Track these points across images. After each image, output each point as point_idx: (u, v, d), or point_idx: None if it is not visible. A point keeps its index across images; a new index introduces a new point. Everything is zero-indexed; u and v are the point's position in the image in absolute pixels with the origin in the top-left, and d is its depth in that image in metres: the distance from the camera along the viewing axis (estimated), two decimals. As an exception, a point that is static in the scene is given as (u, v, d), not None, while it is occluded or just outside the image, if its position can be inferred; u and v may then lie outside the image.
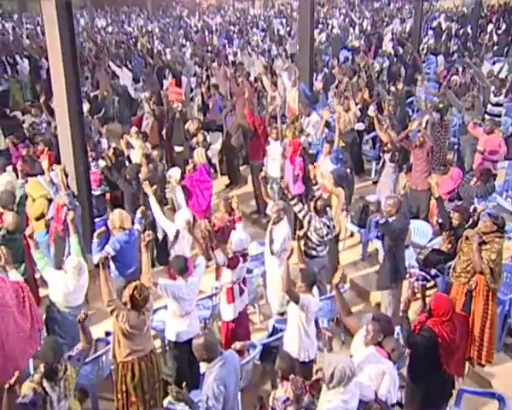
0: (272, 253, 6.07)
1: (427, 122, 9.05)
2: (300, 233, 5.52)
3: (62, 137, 6.62)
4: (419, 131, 8.12)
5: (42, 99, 11.51)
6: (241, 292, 5.63)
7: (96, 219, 7.35)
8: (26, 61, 16.20)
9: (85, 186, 6.70)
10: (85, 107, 12.99)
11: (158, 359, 4.87)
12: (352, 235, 8.27)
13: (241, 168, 10.58)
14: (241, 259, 5.56)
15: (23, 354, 4.78)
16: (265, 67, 13.25)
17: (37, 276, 6.39)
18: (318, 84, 10.75)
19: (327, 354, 4.00)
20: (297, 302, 4.66)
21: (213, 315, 6.14)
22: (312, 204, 6.33)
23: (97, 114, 13.28)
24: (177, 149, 9.92)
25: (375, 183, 9.65)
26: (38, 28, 29.25)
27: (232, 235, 5.70)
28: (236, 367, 4.12)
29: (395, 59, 15.55)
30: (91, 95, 13.73)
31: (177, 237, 6.16)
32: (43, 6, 6.23)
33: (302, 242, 6.21)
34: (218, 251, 5.44)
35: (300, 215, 6.15)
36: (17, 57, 16.21)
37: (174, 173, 9.19)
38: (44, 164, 6.74)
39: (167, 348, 5.35)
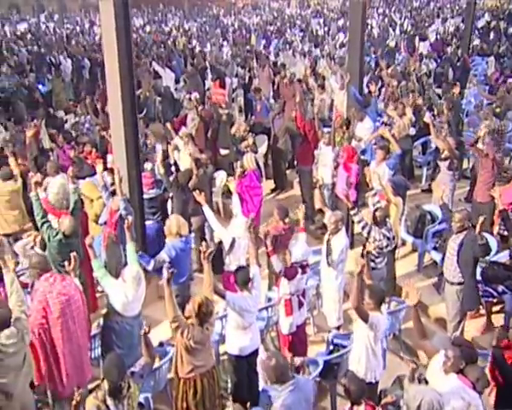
0: (329, 264, 5.87)
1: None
2: (370, 248, 5.30)
3: (116, 140, 6.51)
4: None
5: (87, 100, 11.57)
6: (300, 305, 5.44)
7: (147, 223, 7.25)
8: (69, 60, 16.35)
9: (137, 190, 6.58)
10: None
11: (219, 375, 4.72)
12: (403, 244, 7.98)
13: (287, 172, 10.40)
14: (299, 270, 5.35)
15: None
16: (312, 68, 13.00)
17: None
18: (372, 87, 10.45)
19: (411, 384, 3.76)
20: (366, 321, 4.44)
21: (268, 327, 5.97)
22: (371, 214, 6.10)
23: (139, 115, 13.30)
24: (223, 151, 9.79)
25: (424, 191, 9.35)
26: (78, 28, 29.69)
27: (292, 245, 5.50)
28: (309, 396, 3.92)
29: (439, 61, 15.12)
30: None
31: (232, 245, 6.01)
32: (101, 5, 6.13)
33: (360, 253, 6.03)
34: (274, 257, 5.27)
35: (359, 226, 5.93)
36: (61, 57, 16.36)
37: (221, 177, 9.18)
38: (99, 168, 6.65)
39: (226, 360, 5.19)
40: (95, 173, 8.39)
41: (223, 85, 12.11)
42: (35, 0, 36.77)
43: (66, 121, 12.74)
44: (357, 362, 4.59)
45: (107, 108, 11.60)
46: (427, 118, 8.24)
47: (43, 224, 5.72)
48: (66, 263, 4.89)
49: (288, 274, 5.26)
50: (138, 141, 6.63)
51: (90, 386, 5.28)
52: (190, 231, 6.45)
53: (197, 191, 6.38)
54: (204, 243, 4.96)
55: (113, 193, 6.45)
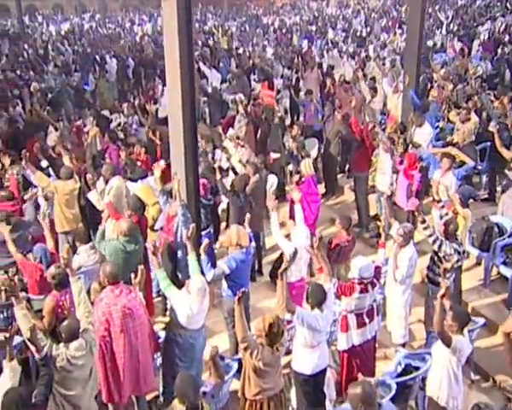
0: (397, 279, 5.58)
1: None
2: (448, 266, 4.99)
3: (174, 144, 6.35)
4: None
5: (136, 100, 11.52)
6: (362, 324, 5.12)
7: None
8: (114, 60, 16.42)
9: (194, 197, 6.41)
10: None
11: (286, 398, 4.52)
12: (467, 256, 7.61)
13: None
14: (357, 287, 5.04)
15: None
16: (362, 70, 12.65)
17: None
18: (434, 92, 10.06)
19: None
20: (449, 345, 4.15)
21: (331, 340, 5.73)
22: (441, 227, 5.79)
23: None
24: (273, 155, 9.57)
25: (483, 200, 8.92)
26: (119, 28, 29.92)
27: (358, 260, 5.22)
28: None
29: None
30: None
31: (294, 256, 5.77)
32: (164, 6, 5.99)
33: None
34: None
35: (430, 240, 5.62)
36: (106, 57, 16.45)
37: (272, 182, 8.95)
38: (157, 172, 6.52)
39: (292, 378, 4.96)
40: (146, 176, 8.37)
41: (271, 87, 11.88)
42: (77, 0, 37.33)
43: (111, 121, 12.81)
44: (438, 388, 4.30)
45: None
46: (493, 127, 7.84)
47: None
48: (132, 275, 4.75)
49: (344, 291, 4.99)
50: (197, 147, 6.47)
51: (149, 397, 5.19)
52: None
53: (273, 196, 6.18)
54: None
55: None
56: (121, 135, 10.57)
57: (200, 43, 21.63)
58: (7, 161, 8.20)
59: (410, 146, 8.12)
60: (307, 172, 7.22)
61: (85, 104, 13.45)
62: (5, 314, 5.64)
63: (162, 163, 8.10)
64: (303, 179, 7.23)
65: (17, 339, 4.54)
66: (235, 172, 7.38)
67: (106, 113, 13.04)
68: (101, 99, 14.61)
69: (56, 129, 10.44)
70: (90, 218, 7.75)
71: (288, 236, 6.11)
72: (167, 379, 4.92)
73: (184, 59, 5.98)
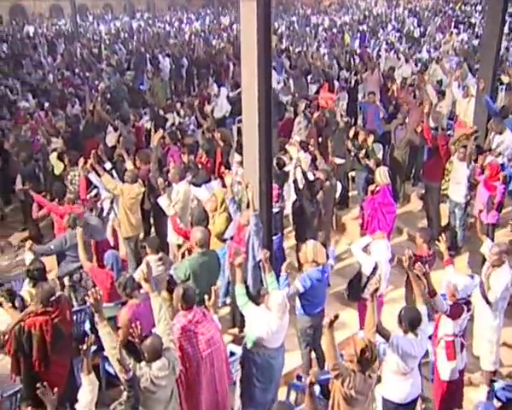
0: (488, 302, 5.17)
1: None
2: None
3: (248, 150, 6.09)
4: None
5: (195, 101, 11.36)
6: (462, 347, 4.77)
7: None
8: (167, 59, 16.38)
9: (266, 205, 6.14)
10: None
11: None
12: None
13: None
14: (465, 308, 4.69)
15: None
16: (422, 72, 12.13)
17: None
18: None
19: None
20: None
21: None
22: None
23: (238, 116, 12.99)
24: (338, 160, 9.21)
25: None
26: (167, 27, 30.06)
27: (459, 278, 4.83)
28: None
29: None
30: (230, 95, 13.46)
31: (374, 271, 5.44)
32: (242, 5, 5.73)
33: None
34: (437, 297, 4.63)
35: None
36: (159, 56, 16.43)
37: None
38: (228, 180, 6.26)
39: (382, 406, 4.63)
40: (210, 180, 8.17)
41: (331, 89, 11.51)
42: (127, -1, 37.90)
43: (166, 120, 12.70)
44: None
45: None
46: None
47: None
48: (206, 297, 4.50)
49: (453, 313, 4.61)
50: (271, 153, 6.18)
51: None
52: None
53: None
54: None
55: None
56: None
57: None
58: (69, 161, 8.18)
59: (490, 156, 7.66)
60: (382, 181, 6.85)
61: (141, 104, 13.45)
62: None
63: (234, 170, 7.94)
64: (378, 188, 6.86)
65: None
66: (306, 178, 7.04)
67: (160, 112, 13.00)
68: (156, 99, 14.56)
69: (116, 129, 10.39)
70: (156, 224, 7.61)
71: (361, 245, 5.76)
72: (244, 400, 4.68)
73: (262, 60, 5.69)
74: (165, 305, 4.68)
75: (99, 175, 7.28)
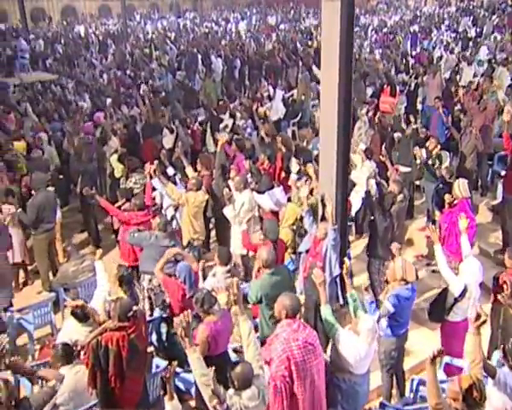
0: None
1: None
2: None
3: (325, 158, 5.76)
4: None
5: (255, 105, 11.14)
6: None
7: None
8: (219, 60, 16.25)
9: (342, 216, 5.83)
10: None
11: None
12: None
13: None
14: None
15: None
16: (487, 76, 11.54)
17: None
18: None
19: None
20: None
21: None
22: None
23: (293, 119, 12.73)
24: (403, 169, 8.82)
25: None
26: (214, 26, 30.03)
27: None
28: None
29: None
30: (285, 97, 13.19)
31: (463, 294, 5.07)
32: (325, 6, 5.43)
33: None
34: None
35: None
36: (212, 57, 16.32)
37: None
38: (304, 191, 5.99)
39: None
40: (273, 187, 7.91)
41: (393, 93, 11.07)
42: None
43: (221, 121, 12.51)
44: None
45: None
46: None
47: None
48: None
49: None
50: (349, 161, 5.87)
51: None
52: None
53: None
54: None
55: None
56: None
57: (295, 42, 21.13)
58: (130, 165, 8.08)
59: None
60: (462, 194, 6.44)
61: (195, 105, 13.34)
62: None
63: (294, 177, 7.68)
64: (455, 202, 6.46)
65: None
66: (380, 191, 6.68)
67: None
68: (207, 99, 14.43)
69: (171, 131, 10.28)
70: (219, 233, 7.42)
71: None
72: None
73: (344, 64, 5.37)
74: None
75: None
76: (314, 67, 13.18)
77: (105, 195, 9.36)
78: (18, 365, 4.25)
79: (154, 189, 7.23)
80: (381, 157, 7.76)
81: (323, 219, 5.85)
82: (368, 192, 6.54)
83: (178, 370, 5.15)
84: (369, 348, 4.26)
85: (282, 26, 28.48)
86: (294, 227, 6.50)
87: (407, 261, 4.97)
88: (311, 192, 6.87)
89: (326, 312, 4.38)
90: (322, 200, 5.78)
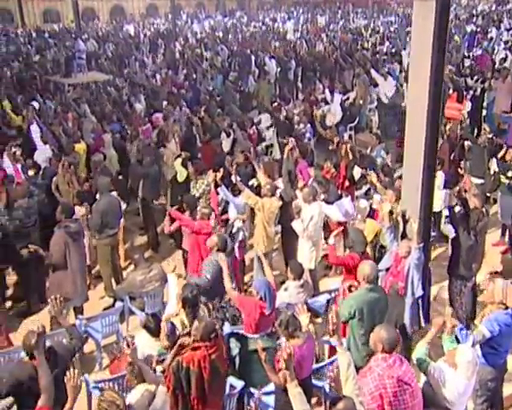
0: None
1: None
2: None
3: (410, 172, 5.43)
4: None
5: (316, 110, 10.86)
6: None
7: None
8: (273, 61, 16.00)
9: (424, 234, 5.47)
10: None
11: None
12: None
13: None
14: None
15: None
16: None
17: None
18: None
19: None
20: None
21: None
22: None
23: (350, 123, 12.36)
24: (475, 180, 8.35)
25: None
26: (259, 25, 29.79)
27: None
28: None
29: None
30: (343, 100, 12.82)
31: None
32: (417, 5, 5.11)
33: None
34: None
35: None
36: (266, 58, 16.09)
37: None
38: (386, 207, 5.65)
39: None
40: (341, 197, 7.61)
41: (460, 99, 10.56)
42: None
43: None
44: None
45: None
46: None
47: None
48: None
49: None
50: (435, 174, 5.51)
51: None
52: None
53: None
54: None
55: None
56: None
57: (349, 44, 20.67)
58: (195, 170, 7.94)
59: None
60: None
61: (250, 107, 13.11)
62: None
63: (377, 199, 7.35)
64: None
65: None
66: (465, 207, 6.27)
67: (266, 116, 12.57)
68: (261, 102, 14.18)
69: (228, 134, 10.09)
70: (285, 243, 7.18)
71: None
72: None
73: (434, 69, 5.04)
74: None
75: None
76: (373, 71, 12.79)
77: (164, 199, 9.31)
78: None
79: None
80: (459, 170, 7.33)
81: (405, 235, 5.54)
82: (450, 209, 6.15)
83: (252, 390, 4.94)
84: (469, 382, 3.93)
85: (330, 27, 28.01)
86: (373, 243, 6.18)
87: (509, 284, 4.59)
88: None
89: (420, 353, 4.07)
90: (404, 216, 5.47)
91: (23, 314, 7.04)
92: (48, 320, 6.75)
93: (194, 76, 15.55)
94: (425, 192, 5.29)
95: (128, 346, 4.11)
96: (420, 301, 5.31)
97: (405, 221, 5.47)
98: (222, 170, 7.02)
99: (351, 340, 4.75)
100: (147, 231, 8.65)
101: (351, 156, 8.33)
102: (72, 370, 3.67)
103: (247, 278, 7.43)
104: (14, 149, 8.53)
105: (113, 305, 6.90)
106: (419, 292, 5.19)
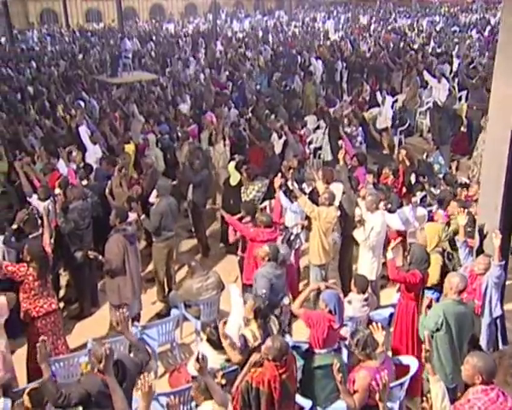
0: None
1: None
2: None
3: (489, 182, 5.10)
4: None
5: (368, 113, 10.55)
6: None
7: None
8: (319, 62, 15.70)
9: (505, 249, 5.10)
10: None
11: None
12: None
13: None
14: None
15: None
16: None
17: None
18: None
19: None
20: None
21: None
22: None
23: (401, 127, 11.97)
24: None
25: None
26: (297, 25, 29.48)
27: None
28: None
29: None
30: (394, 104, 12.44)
31: None
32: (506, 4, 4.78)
33: None
34: None
35: None
36: (312, 58, 15.80)
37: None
38: (461, 220, 5.30)
39: None
40: (402, 205, 7.31)
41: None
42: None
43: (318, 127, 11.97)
44: None
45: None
46: None
47: None
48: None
49: None
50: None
51: None
52: None
53: None
54: None
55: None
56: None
57: (395, 44, 20.16)
58: (248, 175, 7.74)
59: None
60: None
61: (296, 108, 12.83)
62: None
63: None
64: None
65: None
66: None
67: (312, 118, 12.30)
68: (307, 102, 13.92)
69: (280, 136, 9.85)
70: (343, 253, 6.91)
71: None
72: None
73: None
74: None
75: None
76: (426, 73, 12.35)
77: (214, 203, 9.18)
78: None
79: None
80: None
81: (480, 251, 5.21)
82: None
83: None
84: None
85: (371, 26, 27.48)
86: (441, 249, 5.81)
87: None
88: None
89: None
90: (481, 231, 5.14)
91: (76, 317, 6.99)
92: (99, 324, 6.76)
93: (237, 76, 15.34)
94: (504, 209, 4.95)
95: (198, 360, 3.92)
96: (498, 321, 4.97)
97: (483, 237, 5.14)
98: (280, 175, 6.80)
99: (435, 354, 4.45)
100: (197, 234, 8.50)
101: (408, 163, 8.01)
102: (144, 376, 3.53)
103: (300, 286, 7.20)
104: (68, 149, 8.46)
105: (166, 311, 6.80)
106: (497, 312, 4.87)
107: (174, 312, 6.08)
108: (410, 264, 5.29)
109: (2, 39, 24.91)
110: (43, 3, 35.11)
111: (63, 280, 7.51)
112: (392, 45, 19.83)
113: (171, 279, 7.26)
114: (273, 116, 11.11)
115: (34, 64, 17.91)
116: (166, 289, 7.22)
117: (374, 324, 4.34)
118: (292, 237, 6.66)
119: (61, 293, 7.36)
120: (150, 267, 7.70)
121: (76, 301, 7.22)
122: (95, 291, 7.27)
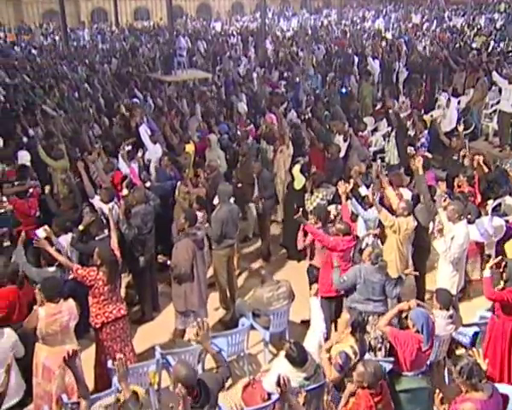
0: None
1: None
2: None
3: None
4: None
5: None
6: None
7: None
8: (376, 61, 15.20)
9: None
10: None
11: None
12: None
13: None
14: None
15: None
16: None
17: None
18: None
19: None
20: None
21: None
22: None
23: (466, 130, 11.37)
24: None
25: None
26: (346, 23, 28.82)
27: None
28: None
29: None
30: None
31: None
32: None
33: None
34: None
35: None
36: (369, 58, 15.33)
37: None
38: None
39: None
40: (480, 215, 6.85)
41: None
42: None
43: (375, 129, 11.51)
44: None
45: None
46: None
47: None
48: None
49: None
50: None
51: None
52: None
53: None
54: None
55: None
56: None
57: (457, 43, 19.38)
58: (313, 181, 7.41)
59: None
60: None
61: (352, 109, 12.37)
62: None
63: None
64: None
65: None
66: None
67: (370, 120, 11.84)
68: (363, 103, 13.43)
69: (345, 139, 9.45)
70: (419, 264, 6.50)
71: None
72: None
73: None
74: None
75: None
76: (495, 73, 11.70)
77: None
78: None
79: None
80: None
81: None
82: None
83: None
84: None
85: (424, 25, 26.61)
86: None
87: None
88: None
89: None
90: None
91: (137, 322, 6.84)
92: (162, 329, 6.58)
93: (289, 75, 14.99)
94: None
95: (283, 383, 3.65)
96: None
97: None
98: (351, 181, 6.47)
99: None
100: (262, 239, 8.25)
101: (486, 169, 7.53)
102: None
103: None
104: (127, 148, 8.24)
105: (230, 318, 6.59)
106: None
107: (244, 321, 5.82)
108: (505, 282, 4.88)
109: (56, 38, 25.36)
110: (94, 2, 35.71)
111: (123, 282, 7.39)
112: (451, 45, 19.08)
113: (233, 286, 7.03)
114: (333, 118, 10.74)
115: (87, 62, 18.06)
116: (228, 295, 7.00)
117: (474, 350, 3.96)
118: (363, 246, 6.29)
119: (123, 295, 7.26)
120: (210, 271, 7.50)
121: (136, 304, 7.08)
122: (156, 295, 7.11)
